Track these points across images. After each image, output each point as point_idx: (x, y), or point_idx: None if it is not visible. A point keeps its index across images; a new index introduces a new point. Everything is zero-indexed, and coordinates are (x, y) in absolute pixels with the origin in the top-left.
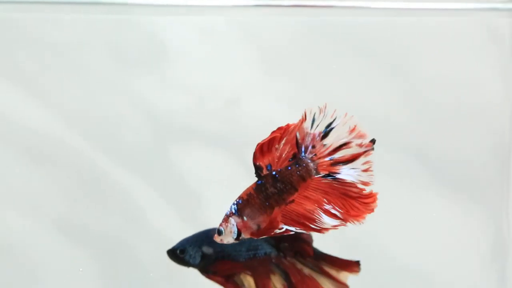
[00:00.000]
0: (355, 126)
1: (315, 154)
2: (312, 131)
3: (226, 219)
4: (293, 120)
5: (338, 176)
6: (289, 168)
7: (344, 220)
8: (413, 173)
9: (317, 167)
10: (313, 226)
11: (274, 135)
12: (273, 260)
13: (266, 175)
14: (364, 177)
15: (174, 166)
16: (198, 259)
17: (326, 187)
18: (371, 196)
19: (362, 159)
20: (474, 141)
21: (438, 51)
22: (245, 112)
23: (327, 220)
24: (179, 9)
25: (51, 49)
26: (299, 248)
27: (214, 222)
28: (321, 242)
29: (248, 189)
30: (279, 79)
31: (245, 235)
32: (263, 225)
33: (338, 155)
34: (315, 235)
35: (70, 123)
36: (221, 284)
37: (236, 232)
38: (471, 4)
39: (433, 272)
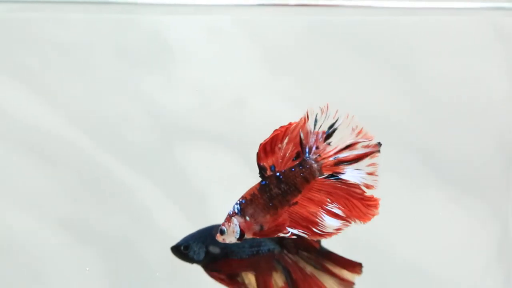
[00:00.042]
0: (362, 128)
1: (319, 155)
2: (315, 131)
3: (228, 218)
4: (298, 119)
5: (342, 176)
6: (293, 169)
7: (348, 219)
8: (418, 173)
9: (320, 168)
10: (316, 230)
11: (276, 133)
12: (276, 257)
13: (270, 176)
14: (369, 180)
15: (180, 165)
16: (202, 255)
17: (330, 187)
18: (374, 200)
19: (367, 161)
20: (479, 140)
21: (444, 50)
22: (250, 111)
23: (330, 223)
24: (184, 8)
25: (57, 49)
26: (304, 242)
27: (219, 221)
28: (325, 241)
29: (251, 189)
30: (285, 79)
31: (247, 235)
32: (266, 226)
33: (342, 155)
34: None
35: (76, 122)
36: (224, 282)
37: (238, 232)
38: (477, 3)
39: (439, 272)
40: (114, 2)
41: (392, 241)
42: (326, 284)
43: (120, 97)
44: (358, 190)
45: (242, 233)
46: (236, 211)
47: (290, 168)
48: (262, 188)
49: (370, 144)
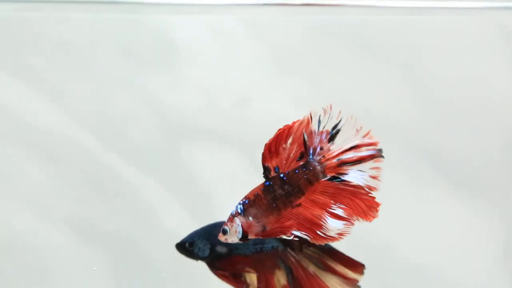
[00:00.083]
0: (369, 131)
1: (323, 156)
2: (319, 132)
3: (231, 218)
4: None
5: (345, 177)
6: (297, 171)
7: (351, 219)
8: (423, 172)
9: (324, 170)
10: (319, 233)
11: (279, 132)
12: (280, 255)
13: (274, 177)
14: (371, 183)
15: (185, 165)
16: (207, 252)
17: (333, 189)
18: (375, 203)
19: (370, 164)
20: (484, 140)
21: (449, 49)
22: (255, 111)
23: (334, 225)
24: (190, 8)
25: (62, 48)
26: None
27: (224, 220)
28: None
29: (255, 189)
30: (290, 78)
31: (250, 236)
32: (268, 227)
33: (346, 156)
34: None
35: (82, 122)
36: (227, 280)
37: (241, 232)
38: (481, 2)
39: (445, 272)
40: (120, 2)
41: (397, 241)
42: (328, 284)
43: (126, 97)
44: (361, 191)
45: (244, 233)
46: (239, 211)
47: (294, 170)
48: (266, 188)
49: (374, 148)
